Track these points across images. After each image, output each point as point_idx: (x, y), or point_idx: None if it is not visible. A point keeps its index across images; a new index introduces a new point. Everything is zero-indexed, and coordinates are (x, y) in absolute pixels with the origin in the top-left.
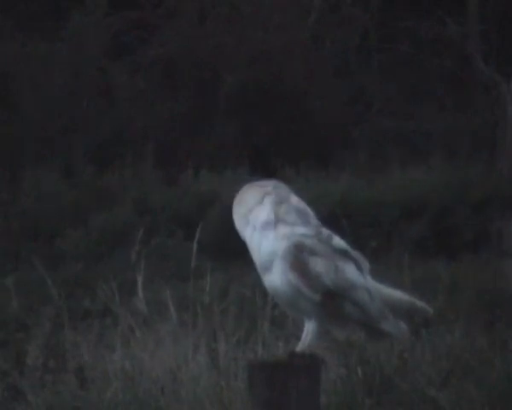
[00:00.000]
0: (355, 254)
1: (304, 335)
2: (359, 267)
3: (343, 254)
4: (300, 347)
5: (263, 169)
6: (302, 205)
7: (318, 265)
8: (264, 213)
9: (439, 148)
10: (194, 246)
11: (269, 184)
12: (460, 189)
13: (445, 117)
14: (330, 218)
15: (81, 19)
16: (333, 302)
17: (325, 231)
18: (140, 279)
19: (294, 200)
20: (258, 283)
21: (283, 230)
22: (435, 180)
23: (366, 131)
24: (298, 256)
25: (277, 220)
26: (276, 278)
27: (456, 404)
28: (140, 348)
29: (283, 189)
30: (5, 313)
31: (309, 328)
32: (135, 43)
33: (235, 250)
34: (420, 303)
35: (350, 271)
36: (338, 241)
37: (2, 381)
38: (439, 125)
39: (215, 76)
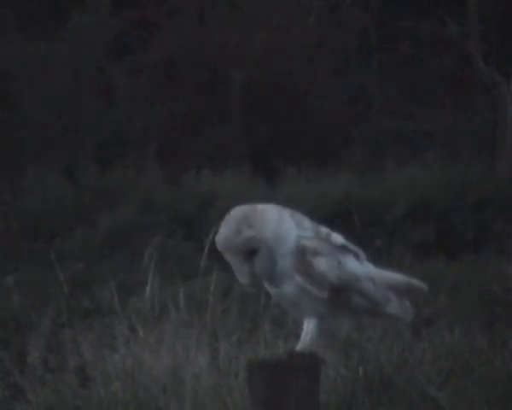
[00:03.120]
0: (352, 246)
1: (303, 334)
2: (358, 258)
3: (343, 248)
4: (300, 346)
5: (264, 169)
6: (297, 214)
7: (322, 264)
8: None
9: (439, 148)
10: (206, 247)
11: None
12: (460, 189)
13: (445, 117)
14: (331, 217)
15: (81, 19)
16: (340, 298)
17: (323, 230)
18: (150, 279)
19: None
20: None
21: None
22: (435, 180)
23: (366, 131)
24: (301, 259)
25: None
26: (284, 287)
27: (456, 404)
28: (141, 348)
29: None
30: (5, 312)
31: (308, 327)
32: (135, 43)
33: None
34: (416, 282)
35: (352, 264)
36: (336, 237)
37: (3, 380)
38: (439, 125)
39: (216, 76)
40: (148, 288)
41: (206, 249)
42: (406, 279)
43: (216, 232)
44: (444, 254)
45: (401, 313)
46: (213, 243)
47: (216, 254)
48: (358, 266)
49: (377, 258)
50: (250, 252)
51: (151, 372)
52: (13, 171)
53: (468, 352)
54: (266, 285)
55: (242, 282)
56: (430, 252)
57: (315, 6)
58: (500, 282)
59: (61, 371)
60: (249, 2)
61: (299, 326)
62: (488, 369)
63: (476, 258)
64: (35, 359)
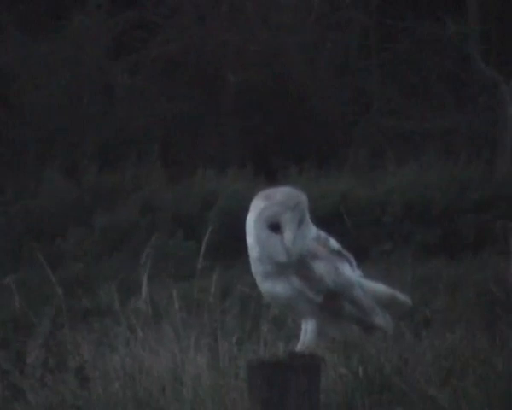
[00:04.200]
0: (346, 252)
1: (302, 334)
2: (351, 264)
3: (338, 254)
4: (300, 347)
5: (265, 169)
6: None
7: (321, 268)
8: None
9: (439, 147)
10: (203, 246)
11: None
12: (460, 189)
13: (445, 117)
14: (332, 217)
15: (81, 19)
16: (333, 303)
17: (322, 234)
18: (145, 279)
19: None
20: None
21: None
22: (435, 180)
23: (366, 130)
24: (301, 261)
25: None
26: (278, 285)
27: (456, 404)
28: (140, 348)
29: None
30: (5, 312)
31: (307, 327)
32: (136, 43)
33: (235, 250)
34: (401, 296)
35: (347, 270)
36: (332, 242)
37: (3, 380)
38: (439, 125)
39: (218, 76)
40: (143, 288)
41: (202, 249)
42: (391, 291)
43: (212, 232)
44: (444, 254)
45: (385, 325)
46: (211, 242)
47: (215, 254)
48: (351, 273)
49: (378, 258)
50: (275, 226)
51: (151, 373)
52: (14, 171)
53: (468, 352)
54: (258, 283)
55: (282, 260)
56: (430, 252)
57: (315, 6)
58: (500, 282)
59: (61, 371)
60: (249, 3)
61: (298, 327)
62: (488, 369)
63: (476, 258)
64: (34, 359)
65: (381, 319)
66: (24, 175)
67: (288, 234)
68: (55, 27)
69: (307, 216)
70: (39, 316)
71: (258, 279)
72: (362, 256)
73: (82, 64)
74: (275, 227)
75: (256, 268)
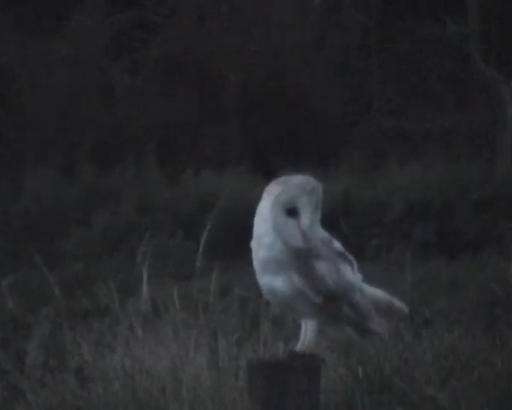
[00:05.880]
0: (349, 255)
1: (302, 334)
2: (353, 267)
3: (341, 256)
4: (300, 347)
5: (263, 168)
6: None
7: (323, 267)
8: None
9: (439, 147)
10: (201, 246)
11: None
12: (460, 189)
13: (445, 117)
14: (332, 218)
15: (81, 19)
16: (332, 304)
17: (326, 234)
18: (145, 279)
19: None
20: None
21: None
22: (435, 180)
23: (366, 130)
24: (304, 260)
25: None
26: (277, 279)
27: (456, 404)
28: (140, 348)
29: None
30: (5, 312)
31: (307, 327)
32: (135, 43)
33: (235, 249)
34: (398, 303)
35: (348, 273)
36: (336, 243)
37: (3, 380)
38: (439, 125)
39: (218, 76)
40: (143, 288)
41: (200, 247)
42: (388, 297)
43: (209, 230)
44: (444, 254)
45: (382, 331)
46: (210, 242)
47: (215, 254)
48: (353, 276)
49: (377, 258)
50: (292, 211)
51: (150, 373)
52: (14, 171)
53: (468, 352)
54: (257, 277)
55: (298, 245)
56: (430, 252)
57: (315, 6)
58: (500, 282)
59: (61, 371)
60: (249, 3)
61: (298, 327)
62: (488, 369)
63: (476, 258)
64: (34, 359)
65: (376, 325)
66: (23, 175)
67: (305, 218)
68: (55, 27)
69: (320, 206)
70: (39, 316)
71: (258, 272)
72: (362, 257)
73: (81, 64)
74: (291, 212)
75: (259, 257)
